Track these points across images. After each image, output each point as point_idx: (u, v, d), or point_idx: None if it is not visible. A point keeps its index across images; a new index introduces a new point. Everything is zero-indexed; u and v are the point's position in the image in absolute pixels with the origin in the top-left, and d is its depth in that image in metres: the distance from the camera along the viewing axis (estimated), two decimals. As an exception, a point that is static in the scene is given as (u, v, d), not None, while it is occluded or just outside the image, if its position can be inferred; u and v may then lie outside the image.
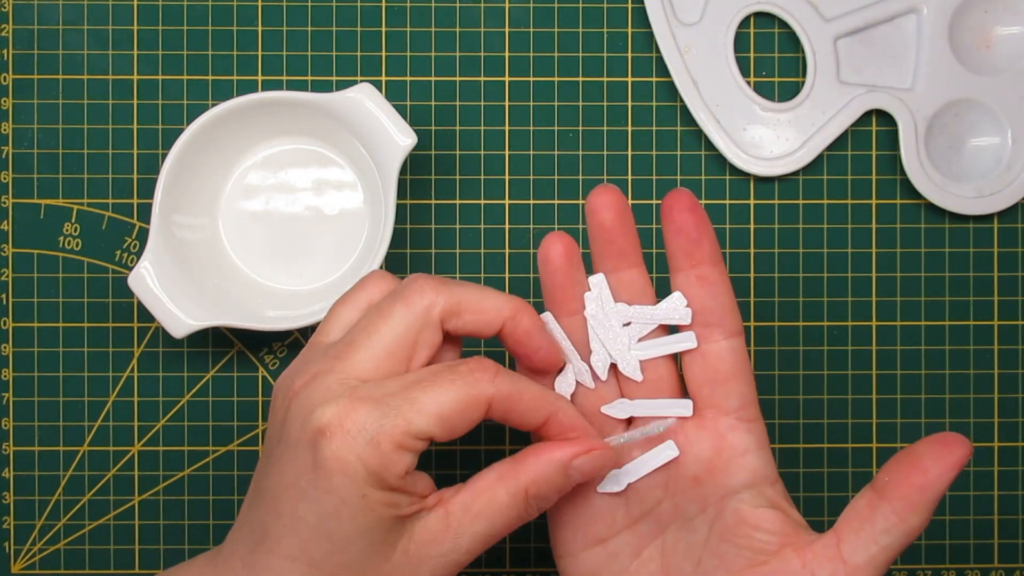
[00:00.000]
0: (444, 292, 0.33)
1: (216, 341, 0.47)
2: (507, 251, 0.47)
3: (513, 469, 0.33)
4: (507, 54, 0.47)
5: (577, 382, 0.36)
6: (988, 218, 0.47)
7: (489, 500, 0.33)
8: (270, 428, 0.34)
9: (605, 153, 0.47)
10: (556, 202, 0.47)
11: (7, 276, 0.47)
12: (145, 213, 0.47)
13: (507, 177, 0.47)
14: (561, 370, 0.36)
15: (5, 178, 0.47)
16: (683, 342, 0.35)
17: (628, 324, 0.35)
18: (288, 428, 0.32)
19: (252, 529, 0.32)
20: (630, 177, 0.47)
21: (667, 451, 0.34)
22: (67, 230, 0.47)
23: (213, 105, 0.43)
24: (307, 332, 0.47)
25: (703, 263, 0.34)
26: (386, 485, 0.31)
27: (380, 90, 0.46)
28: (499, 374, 0.32)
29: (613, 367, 0.35)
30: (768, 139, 0.46)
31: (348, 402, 0.31)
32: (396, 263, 0.47)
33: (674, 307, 0.35)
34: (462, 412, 0.32)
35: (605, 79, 0.47)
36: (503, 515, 0.33)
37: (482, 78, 0.47)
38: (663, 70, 0.47)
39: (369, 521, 0.31)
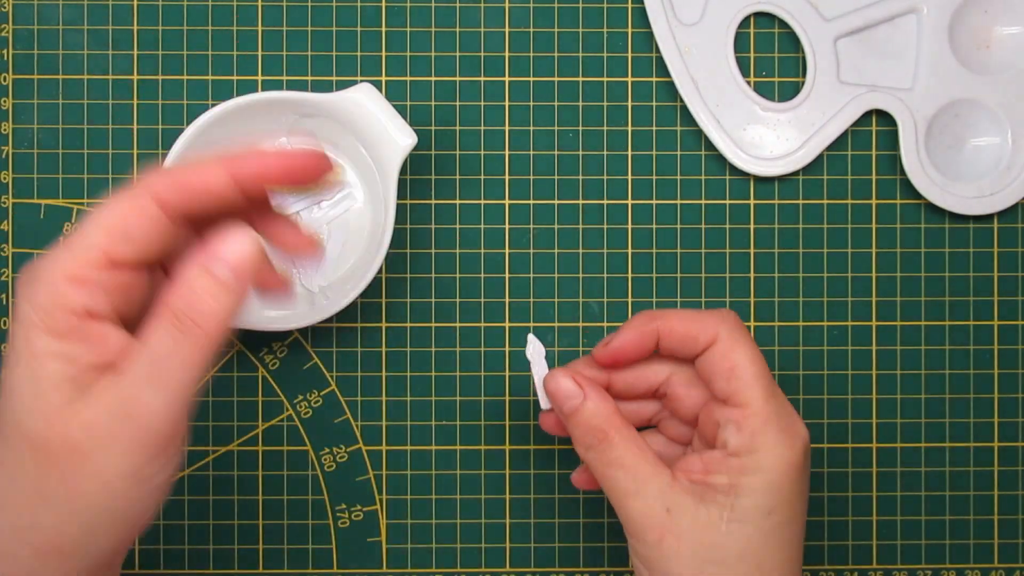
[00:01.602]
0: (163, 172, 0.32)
1: (216, 341, 0.47)
2: (507, 251, 0.47)
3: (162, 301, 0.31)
4: (507, 54, 0.47)
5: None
6: (988, 218, 0.47)
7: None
8: None
9: (605, 153, 0.47)
10: (556, 202, 0.47)
11: (7, 276, 0.47)
12: (145, 213, 0.47)
13: (507, 177, 0.47)
14: None
15: (5, 178, 0.47)
16: None
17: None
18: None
19: None
20: (630, 177, 0.47)
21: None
22: (67, 230, 0.47)
23: (213, 105, 0.43)
24: (307, 332, 0.47)
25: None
26: (57, 330, 0.29)
27: (380, 90, 0.46)
28: (162, 168, 0.32)
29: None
30: (768, 139, 0.46)
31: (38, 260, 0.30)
32: (396, 263, 0.47)
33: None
34: (128, 214, 0.30)
35: (605, 79, 0.47)
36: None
37: (482, 78, 0.47)
38: (663, 70, 0.47)
39: (46, 374, 0.29)
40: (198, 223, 0.33)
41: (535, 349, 0.39)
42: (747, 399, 0.35)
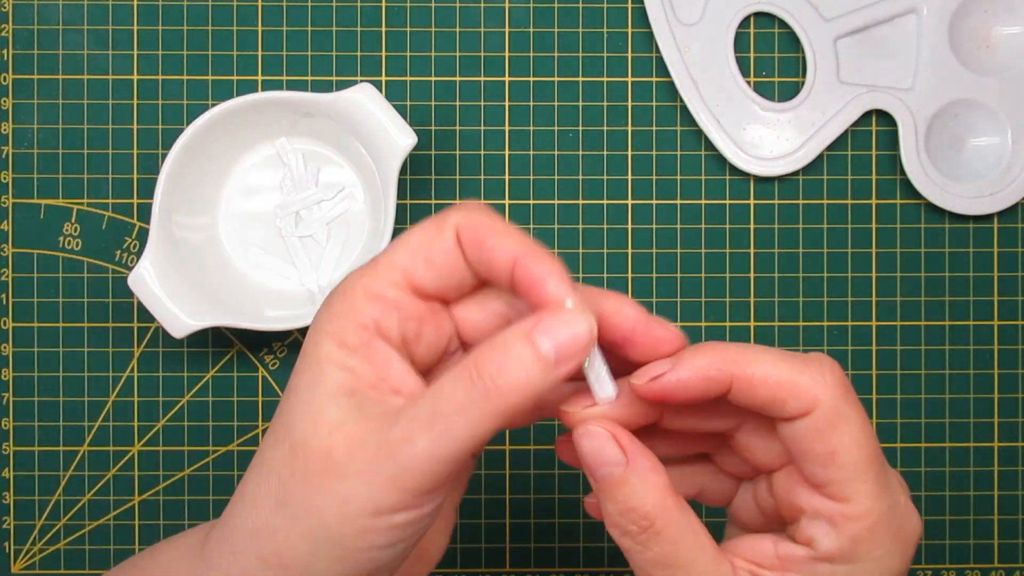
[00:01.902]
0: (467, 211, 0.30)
1: (216, 341, 0.47)
2: (507, 251, 0.47)
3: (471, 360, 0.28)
4: (507, 54, 0.47)
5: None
6: (988, 218, 0.47)
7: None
8: None
9: (605, 153, 0.47)
10: (556, 202, 0.47)
11: (7, 276, 0.47)
12: (145, 213, 0.47)
13: (507, 177, 0.47)
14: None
15: (5, 178, 0.47)
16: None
17: None
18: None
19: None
20: (630, 177, 0.47)
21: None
22: (67, 230, 0.47)
23: (213, 105, 0.43)
24: (307, 332, 0.47)
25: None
26: (346, 341, 0.28)
27: (380, 90, 0.46)
28: (476, 206, 0.29)
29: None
30: (768, 139, 0.46)
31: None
32: (396, 263, 0.47)
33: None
34: (433, 241, 0.29)
35: (605, 79, 0.47)
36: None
37: (482, 78, 0.47)
38: (663, 70, 0.47)
39: (326, 380, 0.28)
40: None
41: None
42: (850, 494, 0.28)
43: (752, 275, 0.47)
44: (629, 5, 0.47)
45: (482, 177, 0.47)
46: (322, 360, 0.28)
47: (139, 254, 0.46)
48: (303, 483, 0.28)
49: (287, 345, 0.47)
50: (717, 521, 0.33)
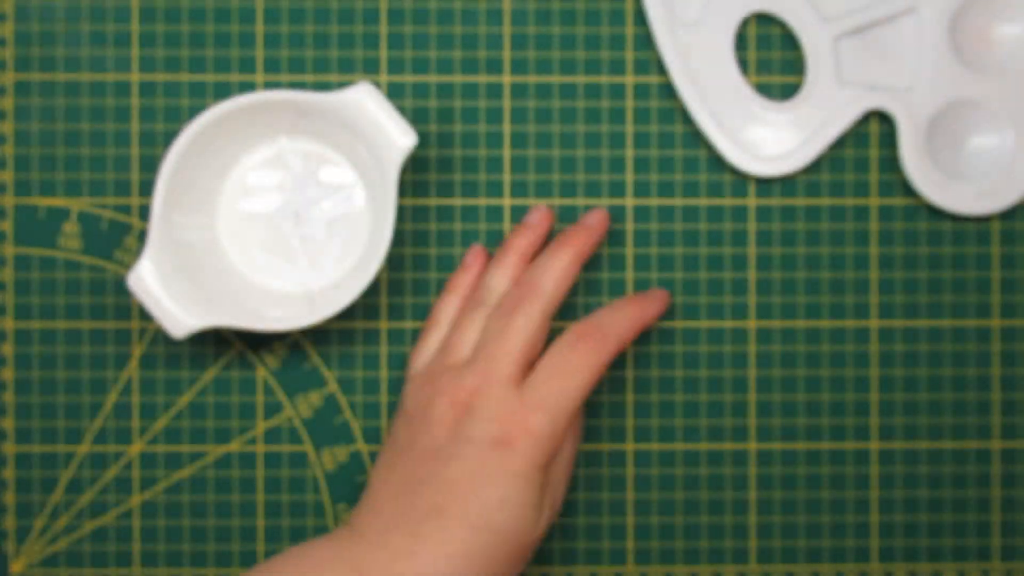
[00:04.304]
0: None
1: (216, 341, 0.47)
2: (507, 251, 0.47)
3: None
4: (507, 54, 0.47)
5: None
6: (988, 218, 0.47)
7: (565, 451, 0.43)
8: (412, 423, 0.42)
9: (605, 153, 0.47)
10: (556, 202, 0.47)
11: (7, 276, 0.47)
12: (145, 213, 0.47)
13: (507, 177, 0.47)
14: None
15: (5, 178, 0.47)
16: None
17: None
18: (466, 431, 0.40)
19: (411, 509, 0.39)
20: (629, 177, 0.47)
21: None
22: (67, 230, 0.47)
23: (213, 105, 0.43)
24: (307, 332, 0.47)
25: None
26: (549, 465, 0.41)
27: (380, 90, 0.46)
28: (599, 330, 0.41)
29: None
30: (768, 139, 0.46)
31: (523, 414, 0.40)
32: (397, 263, 0.47)
33: None
34: (597, 381, 0.42)
35: (605, 79, 0.47)
36: (569, 459, 0.43)
37: (482, 78, 0.47)
38: (663, 70, 0.47)
39: (539, 491, 0.40)
40: None
41: None
42: None
43: (752, 275, 0.47)
44: (629, 5, 0.47)
45: (482, 177, 0.47)
46: (540, 484, 0.41)
47: (139, 254, 0.46)
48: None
49: (287, 345, 0.47)
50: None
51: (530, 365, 0.42)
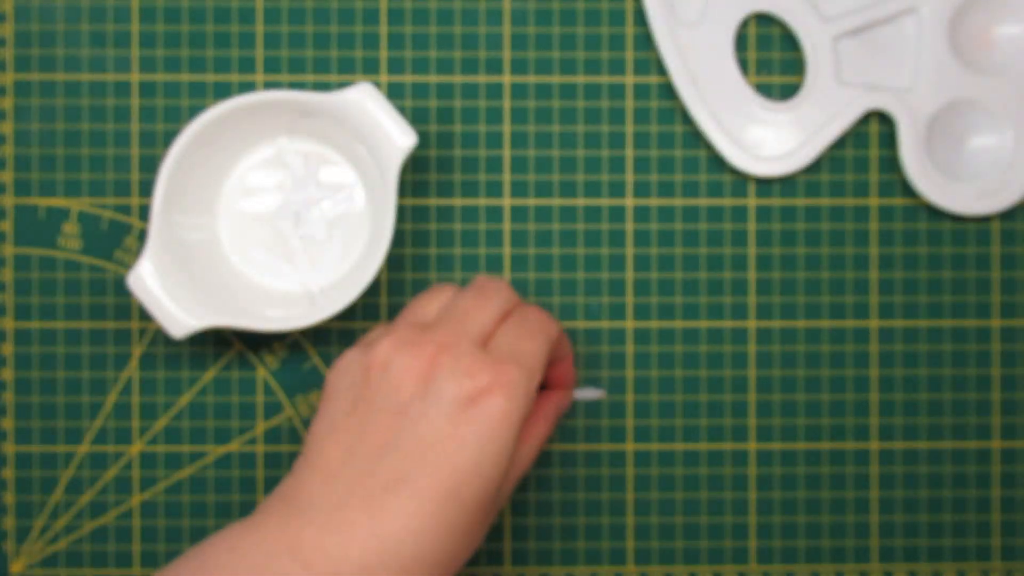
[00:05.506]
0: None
1: (216, 341, 0.47)
2: (507, 252, 0.47)
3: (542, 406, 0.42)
4: (507, 54, 0.47)
5: None
6: (988, 218, 0.47)
7: (536, 427, 0.40)
8: (369, 379, 0.37)
9: (604, 153, 0.47)
10: (556, 202, 0.47)
11: (7, 276, 0.47)
12: (145, 213, 0.47)
13: (507, 177, 0.47)
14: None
15: (5, 178, 0.47)
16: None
17: None
18: (436, 386, 0.36)
19: (370, 478, 0.35)
20: (629, 177, 0.47)
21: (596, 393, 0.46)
22: (67, 230, 0.47)
23: (213, 105, 0.43)
24: (307, 332, 0.47)
25: None
26: (521, 426, 0.38)
27: (380, 90, 0.46)
28: (549, 317, 0.40)
29: None
30: (768, 139, 0.46)
31: (498, 367, 0.37)
32: (397, 263, 0.47)
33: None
34: (549, 353, 0.40)
35: (605, 79, 0.47)
36: (540, 437, 0.41)
37: (482, 78, 0.47)
38: (663, 70, 0.47)
39: (511, 452, 0.37)
40: None
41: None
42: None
43: (752, 275, 0.47)
44: (629, 5, 0.47)
45: (482, 177, 0.47)
46: (514, 441, 0.38)
47: (139, 254, 0.46)
48: None
49: (287, 345, 0.47)
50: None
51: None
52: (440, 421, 0.36)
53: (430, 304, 0.40)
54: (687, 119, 0.47)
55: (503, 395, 0.36)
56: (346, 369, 0.38)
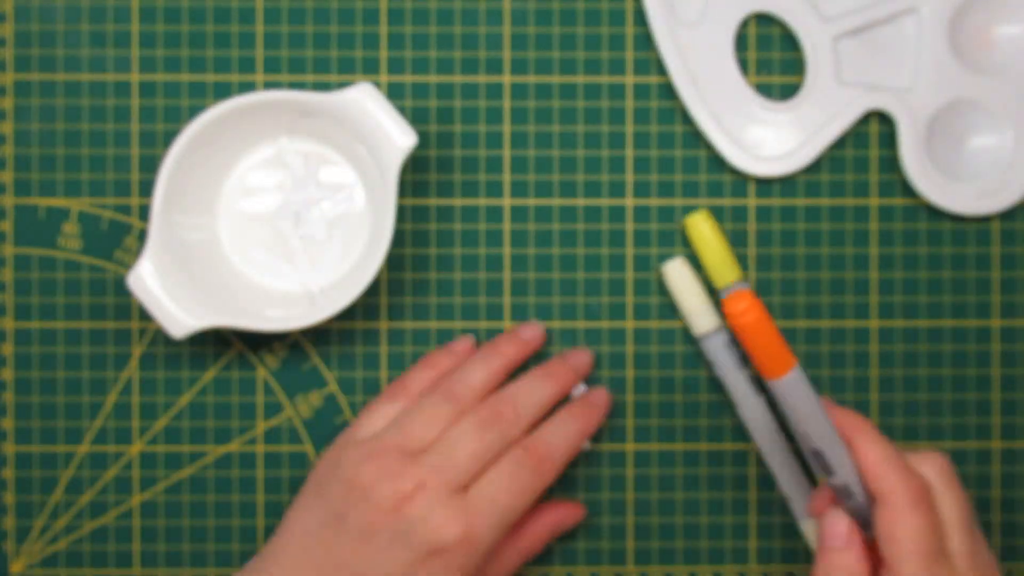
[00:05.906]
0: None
1: (216, 341, 0.47)
2: (507, 252, 0.47)
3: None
4: (507, 54, 0.47)
5: None
6: (988, 218, 0.47)
7: (521, 541, 0.44)
8: (351, 493, 0.40)
9: (604, 153, 0.47)
10: (556, 202, 0.47)
11: (7, 276, 0.47)
12: (145, 213, 0.47)
13: (507, 177, 0.47)
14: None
15: (5, 178, 0.47)
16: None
17: None
18: (404, 527, 0.39)
19: None
20: (629, 177, 0.47)
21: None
22: (67, 230, 0.47)
23: (213, 105, 0.43)
24: (307, 332, 0.47)
25: None
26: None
27: (380, 90, 0.46)
28: (547, 451, 0.41)
29: None
30: (768, 139, 0.46)
31: (470, 520, 0.39)
32: (397, 263, 0.47)
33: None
34: (534, 503, 0.42)
35: (605, 79, 0.47)
36: (521, 554, 0.44)
37: (482, 78, 0.47)
38: (663, 70, 0.47)
39: None
40: None
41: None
42: (898, 572, 0.37)
43: (752, 275, 0.47)
44: (629, 5, 0.47)
45: (482, 177, 0.47)
46: None
47: (139, 254, 0.46)
48: None
49: (287, 345, 0.47)
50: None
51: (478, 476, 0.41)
52: (401, 562, 0.39)
53: (429, 421, 0.41)
54: (687, 119, 0.47)
55: (465, 554, 0.39)
56: (336, 463, 0.41)
